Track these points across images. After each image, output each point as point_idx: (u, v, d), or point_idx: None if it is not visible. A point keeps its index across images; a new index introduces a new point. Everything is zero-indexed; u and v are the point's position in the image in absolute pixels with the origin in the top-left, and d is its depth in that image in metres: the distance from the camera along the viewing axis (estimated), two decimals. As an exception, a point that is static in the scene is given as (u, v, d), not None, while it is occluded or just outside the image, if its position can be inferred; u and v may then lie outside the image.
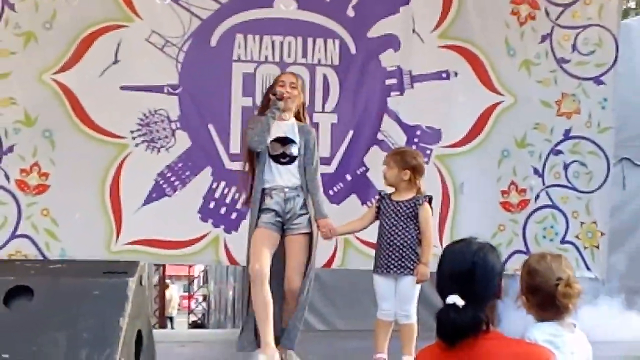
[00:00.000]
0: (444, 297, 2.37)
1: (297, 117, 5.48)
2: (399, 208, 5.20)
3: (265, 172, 5.24)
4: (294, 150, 5.29)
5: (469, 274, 2.37)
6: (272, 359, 4.84)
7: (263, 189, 5.22)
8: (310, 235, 5.26)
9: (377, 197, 5.58)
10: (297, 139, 5.31)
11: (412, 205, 5.18)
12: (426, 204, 5.20)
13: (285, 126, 5.34)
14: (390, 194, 5.31)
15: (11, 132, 6.29)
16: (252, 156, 5.37)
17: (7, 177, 6.28)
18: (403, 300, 5.11)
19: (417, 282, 5.12)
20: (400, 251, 5.13)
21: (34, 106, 6.31)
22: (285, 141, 5.27)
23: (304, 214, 5.23)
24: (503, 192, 6.85)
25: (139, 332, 3.39)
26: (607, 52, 6.97)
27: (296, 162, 5.28)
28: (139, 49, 6.48)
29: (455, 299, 2.32)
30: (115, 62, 6.43)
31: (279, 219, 5.19)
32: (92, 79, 6.38)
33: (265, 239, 5.09)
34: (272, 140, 5.28)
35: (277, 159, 5.27)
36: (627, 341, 6.19)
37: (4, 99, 6.29)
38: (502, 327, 2.43)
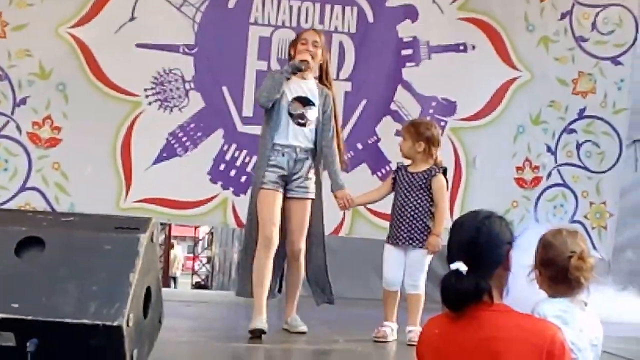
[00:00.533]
0: (450, 264, 2.38)
1: (320, 77, 5.37)
2: (412, 180, 5.18)
3: (280, 128, 5.14)
4: (313, 112, 5.20)
5: (472, 241, 2.37)
6: (263, 322, 4.88)
7: (274, 144, 5.16)
8: (313, 200, 5.23)
9: (394, 168, 5.55)
10: (316, 101, 5.22)
11: (426, 176, 5.15)
12: (440, 175, 5.17)
13: (306, 85, 5.25)
14: (407, 166, 5.28)
15: (25, 83, 6.29)
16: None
17: (19, 129, 6.29)
18: (412, 271, 5.09)
19: (429, 253, 5.12)
20: (410, 223, 5.11)
21: (49, 59, 6.30)
22: (306, 102, 5.20)
23: (310, 179, 5.21)
24: (518, 168, 6.85)
25: (148, 288, 3.39)
26: (626, 32, 6.94)
27: (312, 126, 5.22)
28: (157, 7, 6.46)
29: (458, 265, 2.33)
30: (132, 19, 6.41)
31: (283, 178, 5.12)
32: (108, 34, 6.37)
33: (274, 203, 5.05)
34: (294, 99, 5.18)
35: (296, 118, 5.16)
36: (625, 322, 6.19)
37: (19, 50, 6.28)
38: (511, 302, 2.43)
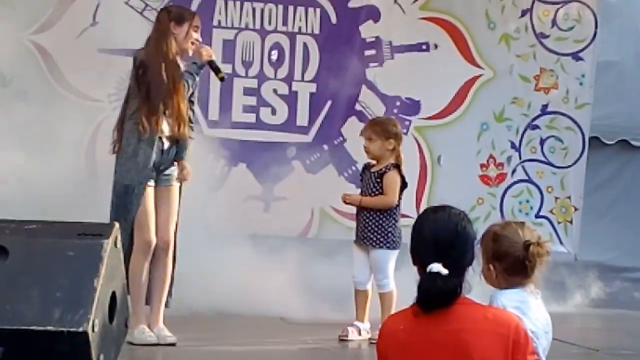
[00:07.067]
0: (422, 263, 2.40)
1: None
2: (370, 178, 5.16)
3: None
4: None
5: (452, 242, 2.42)
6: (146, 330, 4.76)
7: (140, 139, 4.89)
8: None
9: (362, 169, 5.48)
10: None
11: (380, 174, 5.12)
12: (391, 172, 5.10)
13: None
14: (371, 165, 5.24)
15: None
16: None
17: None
18: (375, 270, 5.09)
19: (344, 201, 5.13)
20: (365, 222, 5.09)
21: (10, 67, 6.25)
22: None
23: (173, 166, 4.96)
24: (482, 166, 6.90)
25: (113, 293, 3.38)
26: (586, 28, 7.02)
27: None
28: (118, 11, 6.43)
29: (439, 268, 2.37)
30: (94, 24, 6.38)
31: (154, 171, 4.89)
32: (70, 40, 6.32)
33: (152, 203, 4.84)
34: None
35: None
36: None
37: (-21, 59, 6.22)
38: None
